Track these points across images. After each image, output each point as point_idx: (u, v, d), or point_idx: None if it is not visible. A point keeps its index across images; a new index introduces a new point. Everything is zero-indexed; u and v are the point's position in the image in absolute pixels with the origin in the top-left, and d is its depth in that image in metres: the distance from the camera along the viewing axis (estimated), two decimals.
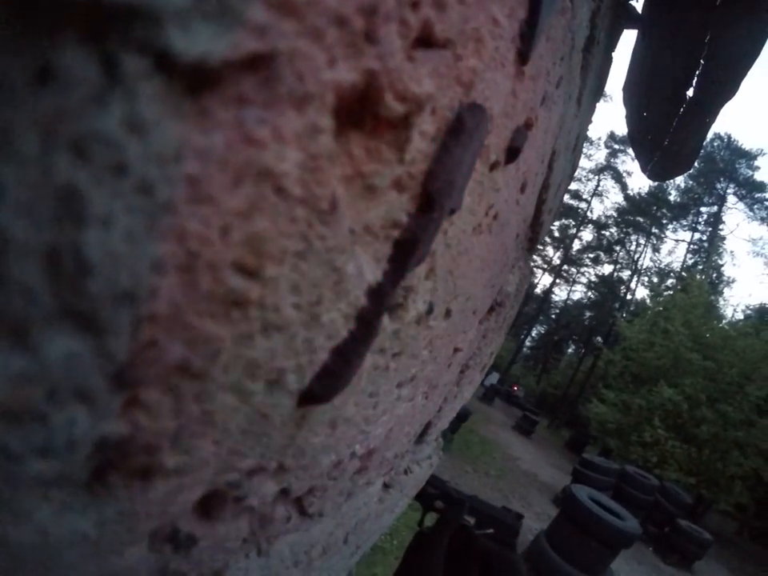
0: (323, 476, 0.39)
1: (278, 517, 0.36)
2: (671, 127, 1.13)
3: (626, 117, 1.19)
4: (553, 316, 47.98)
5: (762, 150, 32.62)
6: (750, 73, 0.99)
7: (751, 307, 29.85)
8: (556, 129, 0.56)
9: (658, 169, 1.29)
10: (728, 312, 28.85)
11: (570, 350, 47.60)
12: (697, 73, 1.01)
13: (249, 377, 0.23)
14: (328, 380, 0.28)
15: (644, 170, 1.33)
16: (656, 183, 36.62)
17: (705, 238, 35.75)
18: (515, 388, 33.69)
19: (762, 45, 0.93)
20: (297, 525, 0.40)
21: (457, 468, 10.48)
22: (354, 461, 0.43)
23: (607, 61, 0.89)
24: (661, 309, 20.12)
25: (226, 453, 0.26)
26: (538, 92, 0.40)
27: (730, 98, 1.07)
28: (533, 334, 48.94)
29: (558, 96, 0.50)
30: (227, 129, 0.15)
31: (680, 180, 34.61)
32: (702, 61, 0.99)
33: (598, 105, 1.00)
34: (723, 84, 1.02)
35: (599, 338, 33.85)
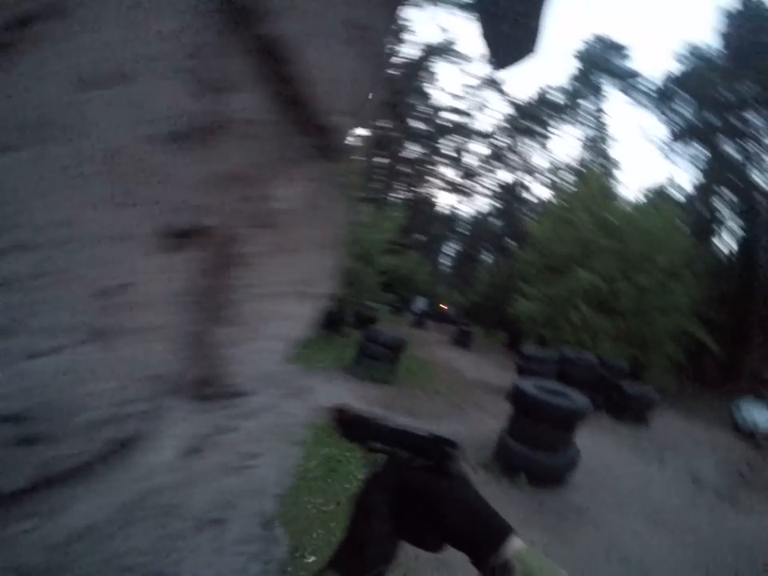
0: None
1: None
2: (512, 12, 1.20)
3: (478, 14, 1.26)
4: (465, 231, 48.93)
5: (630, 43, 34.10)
6: None
7: (649, 189, 31.71)
8: None
9: (502, 56, 1.33)
10: (626, 194, 30.45)
11: (486, 259, 49.11)
12: None
13: None
14: None
15: (491, 59, 1.36)
16: (537, 88, 37.51)
17: (591, 130, 37.04)
18: (443, 307, 34.30)
19: None
20: None
21: (407, 395, 10.40)
22: None
23: None
24: (564, 203, 20.78)
25: None
26: None
27: None
28: (449, 253, 49.89)
29: None
30: None
31: (561, 80, 35.75)
32: None
33: None
34: None
35: (511, 241, 34.75)
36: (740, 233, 29.53)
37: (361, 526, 0.66)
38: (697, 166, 32.65)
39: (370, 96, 0.78)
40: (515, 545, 0.61)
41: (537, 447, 6.62)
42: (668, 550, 5.59)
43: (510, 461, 6.80)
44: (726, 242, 31.39)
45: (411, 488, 0.65)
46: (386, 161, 42.07)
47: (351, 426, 0.74)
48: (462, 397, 11.35)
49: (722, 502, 7.60)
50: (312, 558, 3.57)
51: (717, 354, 19.17)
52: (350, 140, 0.75)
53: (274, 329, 0.66)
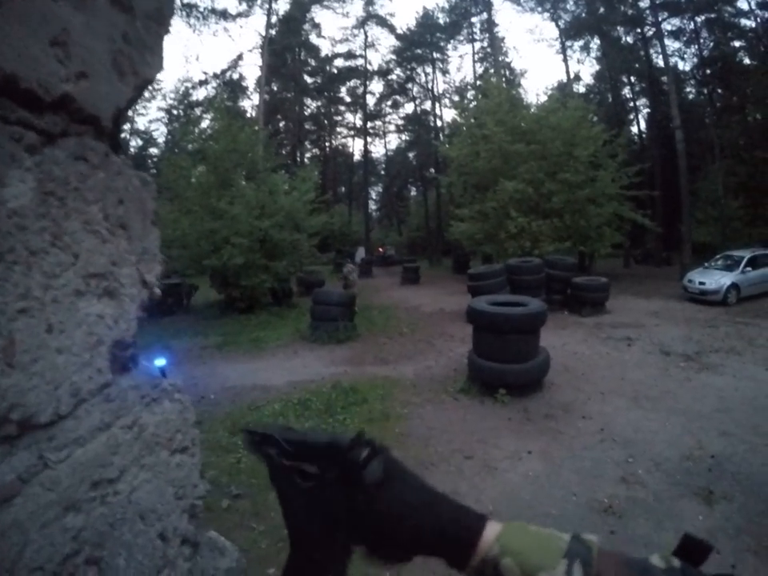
0: None
1: None
2: None
3: None
4: (382, 172, 48.65)
5: None
6: None
7: (551, 87, 32.02)
8: None
9: None
10: (532, 99, 30.81)
11: (412, 194, 49.28)
12: None
13: None
14: None
15: None
16: (422, 14, 36.55)
17: (485, 44, 36.70)
18: (382, 250, 34.41)
19: None
20: None
21: (371, 344, 10.37)
22: None
23: None
24: (472, 120, 20.78)
25: None
26: None
27: None
28: (373, 197, 49.68)
29: None
30: None
31: (442, 1, 35.01)
32: None
33: None
34: None
35: (431, 170, 34.74)
36: (649, 112, 30.68)
37: (297, 544, 0.56)
38: (596, 58, 33.30)
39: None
40: (494, 532, 0.51)
41: (506, 359, 6.65)
42: (657, 425, 5.80)
43: (485, 380, 6.84)
44: (639, 123, 32.63)
45: (340, 507, 0.53)
46: (289, 124, 40.74)
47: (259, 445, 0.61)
48: (425, 331, 11.38)
49: (693, 367, 7.94)
50: None
51: (654, 230, 20.06)
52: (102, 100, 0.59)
53: (77, 337, 0.54)
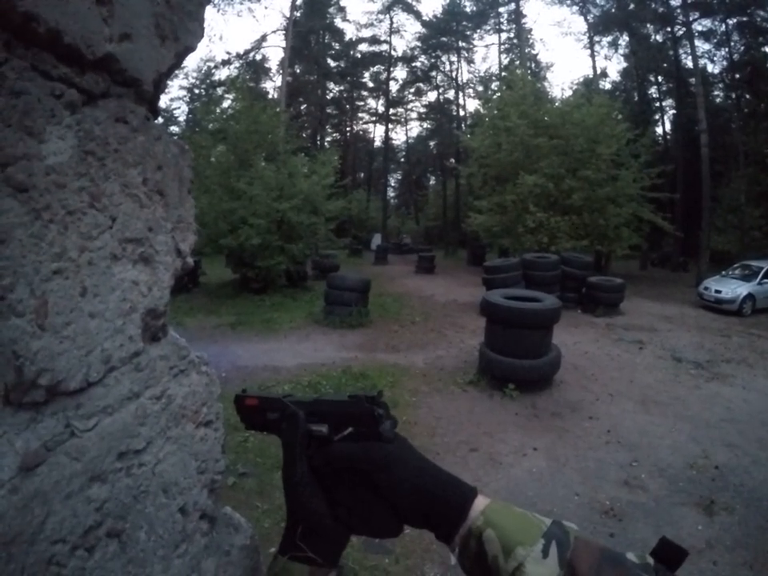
0: None
1: None
2: None
3: None
4: (402, 159, 48.38)
5: None
6: None
7: (576, 82, 31.46)
8: None
9: None
10: (557, 93, 30.34)
11: (431, 183, 48.99)
12: None
13: None
14: None
15: None
16: (448, 1, 36.00)
17: (512, 35, 36.09)
18: (401, 238, 34.33)
19: None
20: None
21: (384, 331, 10.37)
22: None
23: None
24: (495, 112, 20.38)
25: None
26: None
27: None
28: (392, 184, 49.46)
29: None
30: None
31: None
32: None
33: None
34: None
35: (452, 160, 34.43)
36: (674, 113, 30.03)
37: (297, 510, 0.59)
38: (624, 55, 32.61)
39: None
40: (481, 506, 0.52)
41: (518, 354, 6.61)
42: (663, 430, 5.76)
43: (495, 373, 6.82)
44: (664, 124, 32.01)
45: (341, 467, 0.57)
46: (311, 107, 40.60)
47: (254, 412, 0.66)
48: (437, 321, 11.35)
49: (703, 375, 7.85)
50: None
51: (673, 234, 19.73)
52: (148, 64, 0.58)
53: (110, 302, 0.53)
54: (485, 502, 0.53)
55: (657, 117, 32.45)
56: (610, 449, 5.28)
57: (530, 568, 0.47)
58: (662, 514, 4.11)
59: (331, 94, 42.25)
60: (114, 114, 0.53)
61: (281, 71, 32.74)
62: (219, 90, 26.68)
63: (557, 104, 20.11)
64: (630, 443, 5.42)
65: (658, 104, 32.58)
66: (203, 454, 0.67)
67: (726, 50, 27.14)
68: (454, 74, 37.58)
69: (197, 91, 37.51)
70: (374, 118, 43.44)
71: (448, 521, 0.53)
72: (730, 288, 13.48)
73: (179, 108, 38.83)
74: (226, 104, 19.17)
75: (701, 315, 13.01)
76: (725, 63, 28.06)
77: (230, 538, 0.74)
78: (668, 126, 32.53)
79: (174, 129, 37.11)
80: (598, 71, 33.54)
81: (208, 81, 36.83)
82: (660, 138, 31.13)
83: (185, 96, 38.14)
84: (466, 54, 37.83)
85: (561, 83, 71.60)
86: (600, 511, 4.13)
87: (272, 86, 38.98)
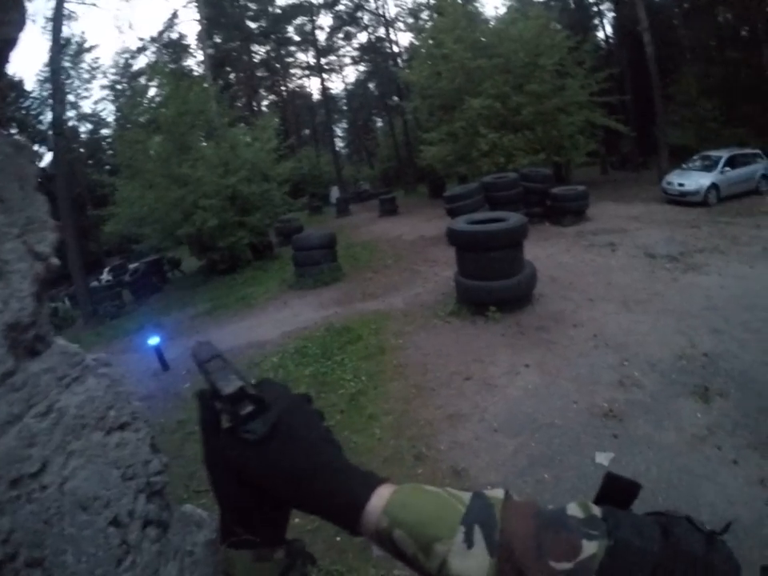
0: None
1: None
2: None
3: None
4: (344, 108, 47.12)
5: None
6: None
7: None
8: None
9: None
10: (491, 12, 29.37)
11: (378, 125, 48.01)
12: None
13: None
14: None
15: None
16: None
17: None
18: (358, 186, 33.92)
19: None
20: None
21: (359, 281, 10.35)
22: None
23: None
24: (430, 41, 19.87)
25: None
26: None
27: None
28: (339, 134, 48.43)
29: None
30: None
31: None
32: None
33: None
34: None
35: (394, 98, 33.61)
36: (614, 15, 29.32)
37: (215, 493, 0.54)
38: None
39: None
40: (381, 502, 0.47)
41: (492, 277, 6.61)
42: (648, 327, 5.85)
43: (473, 299, 6.85)
44: (605, 27, 31.34)
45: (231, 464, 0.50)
46: (239, 74, 38.80)
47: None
48: (409, 260, 11.38)
49: (678, 268, 7.96)
50: None
51: (629, 135, 19.69)
52: None
53: None
54: (385, 498, 0.47)
55: (596, 21, 31.77)
56: (600, 352, 5.38)
57: (455, 563, 0.42)
58: (660, 407, 4.21)
59: (258, 57, 40.34)
60: None
61: (200, 45, 31.00)
62: (142, 80, 25.27)
63: (491, 23, 19.75)
64: (618, 344, 5.51)
65: (596, 8, 31.80)
66: (125, 459, 0.62)
67: None
68: (381, 11, 35.98)
69: (119, 87, 35.34)
70: (307, 72, 41.84)
71: (345, 526, 0.49)
72: (693, 180, 13.53)
73: (105, 109, 36.53)
74: (151, 92, 18.24)
75: (667, 210, 13.12)
76: None
77: (192, 537, 0.70)
78: (609, 30, 31.91)
79: (105, 131, 35.11)
80: None
81: (128, 73, 34.64)
82: (603, 42, 30.56)
83: (108, 95, 35.86)
84: None
85: (493, 1, 69.44)
86: (600, 415, 4.22)
87: (195, 62, 36.90)
